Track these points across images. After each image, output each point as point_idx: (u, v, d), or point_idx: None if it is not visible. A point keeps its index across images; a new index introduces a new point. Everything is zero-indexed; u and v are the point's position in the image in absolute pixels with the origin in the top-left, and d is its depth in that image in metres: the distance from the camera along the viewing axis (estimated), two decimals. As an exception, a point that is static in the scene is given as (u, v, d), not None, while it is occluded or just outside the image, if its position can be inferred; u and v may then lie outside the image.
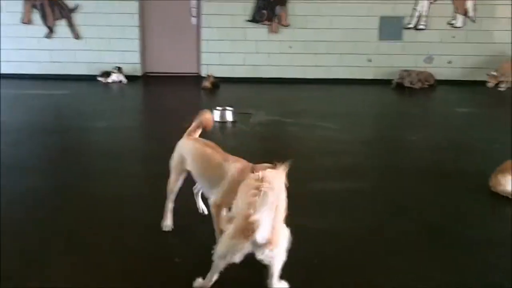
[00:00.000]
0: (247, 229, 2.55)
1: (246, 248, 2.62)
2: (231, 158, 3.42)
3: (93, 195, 4.59)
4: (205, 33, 11.33)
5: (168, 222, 3.76)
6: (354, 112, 8.54)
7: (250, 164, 3.29)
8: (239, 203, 2.74)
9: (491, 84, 10.70)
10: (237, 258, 2.68)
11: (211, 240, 3.25)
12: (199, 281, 2.94)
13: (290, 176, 5.02)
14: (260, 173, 2.76)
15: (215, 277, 2.87)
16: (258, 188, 2.61)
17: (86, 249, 3.54)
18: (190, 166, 3.59)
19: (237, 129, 7.16)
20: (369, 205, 4.43)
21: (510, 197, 4.48)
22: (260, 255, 2.68)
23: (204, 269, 2.92)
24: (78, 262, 3.35)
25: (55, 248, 3.54)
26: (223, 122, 7.43)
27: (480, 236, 3.84)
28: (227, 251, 2.68)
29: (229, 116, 7.54)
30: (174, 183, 3.71)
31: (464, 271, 3.31)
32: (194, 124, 3.89)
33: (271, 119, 7.71)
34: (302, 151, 6.28)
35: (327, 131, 7.02)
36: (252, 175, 2.80)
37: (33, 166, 5.49)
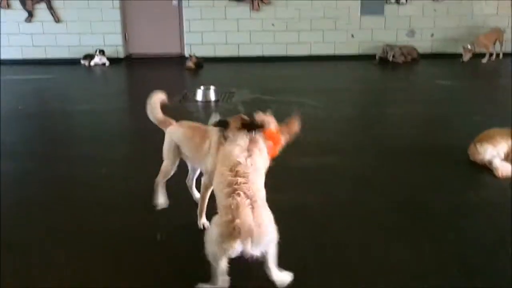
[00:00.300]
0: (232, 233, 2.45)
1: (237, 247, 2.49)
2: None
3: (75, 177, 4.63)
4: (187, 12, 11.27)
5: (161, 200, 3.72)
6: (336, 88, 8.59)
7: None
8: (217, 189, 2.77)
9: (466, 57, 10.62)
10: (232, 255, 2.56)
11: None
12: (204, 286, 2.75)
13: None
14: (233, 161, 2.77)
15: (221, 280, 2.67)
16: (231, 186, 2.61)
17: (66, 232, 3.58)
18: (182, 151, 3.61)
19: (220, 108, 7.18)
20: (343, 181, 4.47)
21: (487, 165, 4.56)
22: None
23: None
24: (58, 246, 3.40)
25: (33, 233, 3.59)
26: (206, 102, 7.46)
27: (454, 205, 3.91)
28: (218, 254, 2.57)
29: (212, 95, 7.56)
30: (168, 170, 3.69)
31: (438, 240, 3.39)
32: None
33: (253, 97, 7.75)
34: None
35: (306, 108, 7.06)
36: (226, 163, 2.81)
37: (15, 150, 5.49)
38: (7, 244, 3.36)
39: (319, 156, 5.10)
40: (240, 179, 2.66)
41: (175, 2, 11.36)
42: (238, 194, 2.56)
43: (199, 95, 7.55)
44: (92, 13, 11.13)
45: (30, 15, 11.18)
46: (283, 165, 4.80)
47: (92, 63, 10.90)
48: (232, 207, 2.52)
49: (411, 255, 3.19)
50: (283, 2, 11.19)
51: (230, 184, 2.64)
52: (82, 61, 10.98)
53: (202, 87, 7.61)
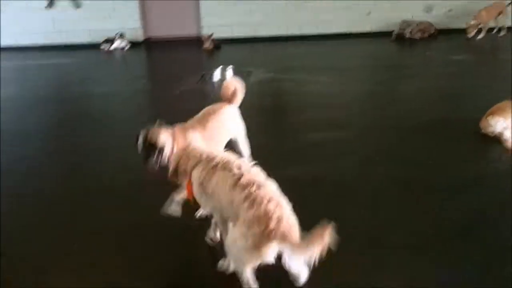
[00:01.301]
0: (269, 238, 2.43)
1: (273, 252, 2.48)
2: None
3: (95, 157, 4.84)
4: (203, -6, 11.37)
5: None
6: (350, 66, 8.66)
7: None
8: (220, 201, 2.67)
9: (471, 32, 10.42)
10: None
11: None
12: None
13: (281, 129, 5.26)
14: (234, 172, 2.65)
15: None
16: (244, 193, 2.53)
17: (91, 211, 3.79)
18: None
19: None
20: (354, 156, 4.59)
21: (499, 137, 4.64)
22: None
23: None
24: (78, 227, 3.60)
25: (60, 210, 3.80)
26: (223, 81, 7.58)
27: (463, 178, 4.02)
28: (248, 264, 2.56)
29: (229, 75, 7.68)
30: None
31: (440, 213, 3.51)
32: None
33: (269, 76, 7.88)
34: (295, 105, 6.51)
35: (320, 85, 7.18)
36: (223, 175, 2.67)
37: (35, 133, 5.71)
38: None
39: (331, 131, 5.23)
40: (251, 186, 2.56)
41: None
42: (257, 200, 2.50)
43: (216, 76, 7.69)
44: (111, -3, 11.31)
45: (51, 1, 11.37)
46: (295, 140, 5.01)
47: (112, 47, 11.09)
48: (260, 214, 2.45)
49: (416, 227, 3.32)
50: (299, -19, 11.21)
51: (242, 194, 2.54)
52: (103, 45, 11.18)
53: (219, 68, 7.75)
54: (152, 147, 3.11)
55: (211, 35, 10.62)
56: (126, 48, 11.10)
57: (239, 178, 2.59)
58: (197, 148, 2.90)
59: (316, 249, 2.34)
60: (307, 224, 3.35)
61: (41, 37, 11.59)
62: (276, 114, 6.23)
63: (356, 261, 2.97)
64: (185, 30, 11.82)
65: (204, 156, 2.80)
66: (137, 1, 11.43)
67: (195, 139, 3.26)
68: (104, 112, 6.59)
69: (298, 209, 3.30)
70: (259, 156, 4.60)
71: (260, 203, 2.48)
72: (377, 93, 6.95)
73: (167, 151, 3.12)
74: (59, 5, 11.42)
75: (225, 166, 2.69)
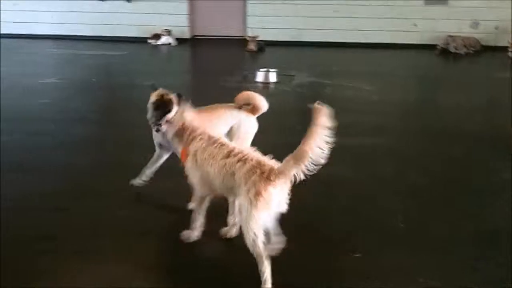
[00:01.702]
0: (269, 178, 2.64)
1: (276, 191, 2.65)
2: None
3: (134, 142, 4.98)
4: (251, -4, 11.54)
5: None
6: (392, 75, 8.72)
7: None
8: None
9: None
10: (270, 217, 2.69)
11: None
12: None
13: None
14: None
15: (268, 270, 2.69)
16: (237, 157, 2.77)
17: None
18: None
19: (279, 90, 7.44)
20: (390, 160, 4.71)
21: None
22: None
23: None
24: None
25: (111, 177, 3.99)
26: (266, 83, 7.72)
27: (493, 184, 4.10)
28: (257, 218, 2.66)
29: (272, 77, 7.81)
30: None
31: (475, 217, 3.60)
32: None
33: (312, 80, 7.98)
34: (335, 109, 6.54)
35: (361, 92, 7.26)
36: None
37: (82, 118, 5.97)
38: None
39: (369, 136, 5.33)
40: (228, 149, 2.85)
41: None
42: (248, 158, 2.76)
43: (259, 77, 7.82)
44: (161, -6, 11.60)
45: (104, -5, 11.75)
46: (336, 144, 5.08)
47: (159, 42, 11.36)
48: (254, 164, 2.70)
49: (448, 231, 3.39)
50: (346, -12, 11.26)
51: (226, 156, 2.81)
52: (150, 40, 11.46)
53: (262, 69, 7.88)
54: (160, 106, 3.29)
55: (256, 36, 10.77)
56: (173, 44, 11.35)
57: (232, 150, 2.84)
58: (202, 127, 3.08)
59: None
60: (339, 222, 3.48)
61: (92, 28, 11.95)
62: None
63: (398, 263, 3.04)
64: (231, 30, 12.02)
65: (206, 134, 3.01)
66: (187, 2, 11.67)
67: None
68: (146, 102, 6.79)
69: (332, 208, 3.43)
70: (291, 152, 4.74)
71: (252, 159, 2.74)
72: (416, 102, 7.02)
73: (172, 113, 3.27)
74: (111, -2, 11.79)
75: (222, 144, 2.92)
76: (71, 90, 7.36)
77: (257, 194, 2.62)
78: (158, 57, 10.57)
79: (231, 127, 3.78)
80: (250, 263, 2.68)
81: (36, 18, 12.00)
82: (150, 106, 3.37)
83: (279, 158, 4.27)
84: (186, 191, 3.28)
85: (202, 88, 7.69)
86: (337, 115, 6.21)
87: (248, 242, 2.68)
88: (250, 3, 11.58)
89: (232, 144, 2.98)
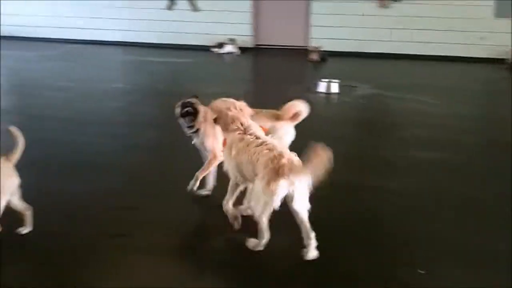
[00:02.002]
0: (280, 172, 2.94)
1: (283, 188, 2.97)
2: None
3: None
4: (315, 7, 11.58)
5: None
6: (458, 88, 8.51)
7: None
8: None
9: None
10: (275, 204, 3.02)
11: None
12: (252, 240, 3.23)
13: (381, 144, 5.38)
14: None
15: (267, 235, 3.16)
16: (265, 146, 3.10)
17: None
18: None
19: (341, 101, 7.46)
20: (452, 174, 4.64)
21: None
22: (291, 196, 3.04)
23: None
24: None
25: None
26: (328, 94, 7.75)
27: None
28: (265, 201, 3.01)
29: (334, 88, 7.83)
30: None
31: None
32: None
33: (374, 92, 7.92)
34: (397, 122, 6.56)
35: (425, 105, 7.16)
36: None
37: (150, 122, 6.20)
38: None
39: (432, 150, 5.27)
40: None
41: (305, -4, 11.74)
42: (273, 148, 3.08)
43: (321, 87, 7.86)
44: (226, 4, 11.82)
45: (172, 3, 12.11)
46: (394, 156, 5.09)
47: (222, 51, 11.59)
48: (275, 154, 3.01)
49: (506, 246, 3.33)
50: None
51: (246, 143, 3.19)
52: (214, 49, 11.71)
53: (325, 80, 7.91)
54: (188, 113, 3.66)
55: (319, 47, 10.81)
56: (236, 53, 11.55)
57: (263, 142, 3.16)
58: (246, 121, 3.36)
59: (317, 166, 2.90)
60: (398, 235, 3.47)
61: (159, 36, 12.34)
62: (377, 129, 6.31)
63: (456, 278, 3.02)
64: (294, 40, 12.10)
65: (246, 126, 3.30)
66: (250, 10, 11.86)
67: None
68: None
69: (391, 220, 3.43)
70: (357, 166, 4.77)
71: (275, 149, 3.07)
72: (482, 117, 6.85)
73: (200, 117, 3.64)
74: (177, 8, 12.12)
75: (256, 136, 3.24)
76: (138, 95, 7.66)
77: (267, 183, 2.96)
78: (221, 66, 10.79)
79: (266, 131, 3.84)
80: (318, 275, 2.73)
81: (107, 25, 12.52)
82: (178, 117, 3.72)
83: (338, 170, 4.35)
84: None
85: (264, 97, 7.79)
86: (399, 129, 6.26)
87: (256, 217, 3.11)
88: (314, 14, 11.64)
89: (265, 137, 3.26)
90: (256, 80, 9.81)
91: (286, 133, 4.02)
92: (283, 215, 3.10)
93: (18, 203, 3.23)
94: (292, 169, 2.96)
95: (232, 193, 3.44)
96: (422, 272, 3.04)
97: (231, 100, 3.47)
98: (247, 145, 3.17)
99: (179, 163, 4.78)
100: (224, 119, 3.36)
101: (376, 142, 5.68)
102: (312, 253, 3.15)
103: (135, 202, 3.93)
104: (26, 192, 3.50)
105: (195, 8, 12.02)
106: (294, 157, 3.07)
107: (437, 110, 6.93)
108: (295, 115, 4.01)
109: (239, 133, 3.27)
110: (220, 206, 3.47)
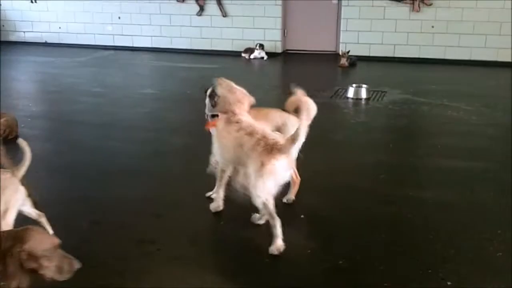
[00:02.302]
0: (274, 150, 3.08)
1: (282, 165, 3.10)
2: None
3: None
4: (345, 11, 11.51)
5: None
6: (491, 94, 8.27)
7: None
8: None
9: None
10: (276, 183, 3.16)
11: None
12: (273, 246, 3.25)
13: (412, 152, 5.30)
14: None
15: (277, 219, 3.22)
16: (247, 131, 3.25)
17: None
18: None
19: (370, 106, 7.38)
20: (485, 185, 4.48)
21: None
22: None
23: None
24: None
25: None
26: (357, 99, 7.68)
27: None
28: (264, 183, 3.11)
29: (363, 93, 7.76)
30: None
31: None
32: None
33: (404, 97, 7.80)
34: (429, 129, 6.44)
35: (459, 112, 6.98)
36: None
37: (178, 128, 6.24)
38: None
39: (466, 159, 5.13)
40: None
41: (334, 2, 11.67)
42: (255, 130, 3.24)
43: (350, 92, 7.80)
44: (256, 9, 11.85)
45: (201, 9, 12.21)
46: (426, 164, 5.00)
47: (251, 56, 11.62)
48: (260, 137, 3.16)
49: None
50: (445, 3, 10.91)
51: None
52: (243, 54, 11.75)
53: (354, 85, 7.85)
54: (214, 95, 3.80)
55: (348, 52, 10.73)
56: (265, 58, 11.57)
57: (243, 126, 3.30)
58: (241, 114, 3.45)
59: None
60: (432, 247, 3.40)
61: (189, 42, 12.46)
62: (408, 136, 6.22)
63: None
64: (323, 45, 12.06)
65: (237, 118, 3.40)
66: (280, 15, 11.86)
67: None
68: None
69: (426, 232, 3.36)
70: (387, 175, 4.70)
71: (258, 132, 3.19)
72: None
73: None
74: (207, 13, 12.22)
75: (238, 121, 3.36)
76: (168, 101, 7.73)
77: (262, 164, 3.06)
78: (250, 71, 10.82)
79: (278, 128, 3.90)
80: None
81: (139, 32, 12.70)
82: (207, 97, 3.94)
83: (367, 179, 4.30)
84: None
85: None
86: (430, 136, 6.16)
87: (259, 205, 3.20)
88: (344, 19, 11.56)
89: (246, 121, 3.36)
90: (283, 86, 9.77)
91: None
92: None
93: (30, 211, 3.27)
94: (282, 148, 3.09)
95: (221, 180, 3.68)
96: (449, 283, 2.97)
97: (236, 86, 3.68)
98: (229, 131, 3.35)
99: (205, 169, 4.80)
100: (223, 100, 3.54)
101: (406, 150, 5.60)
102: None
103: (163, 209, 3.96)
104: (54, 197, 3.57)
105: (224, 14, 12.09)
106: (277, 136, 3.27)
107: (469, 117, 6.77)
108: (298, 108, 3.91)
109: (228, 118, 3.43)
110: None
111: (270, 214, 3.21)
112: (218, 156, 3.59)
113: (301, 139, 3.77)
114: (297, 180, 4.01)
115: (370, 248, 3.42)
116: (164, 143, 5.64)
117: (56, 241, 2.34)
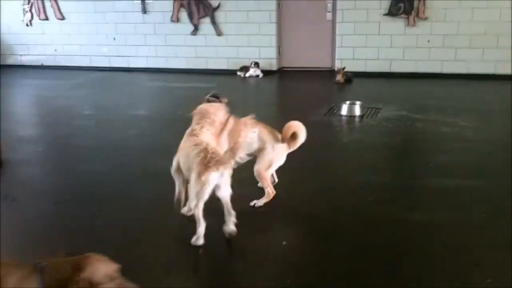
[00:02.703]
0: (209, 164, 3.36)
1: (213, 179, 3.39)
2: None
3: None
4: (340, 28, 11.45)
5: None
6: (491, 109, 8.10)
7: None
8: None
9: None
10: (207, 192, 3.42)
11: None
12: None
13: (408, 171, 5.14)
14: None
15: (202, 224, 3.49)
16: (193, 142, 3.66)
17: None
18: None
19: (363, 123, 7.24)
20: (483, 206, 4.30)
21: None
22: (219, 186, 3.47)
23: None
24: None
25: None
26: (350, 116, 7.55)
27: None
28: (199, 193, 3.41)
29: (357, 110, 7.63)
30: None
31: None
32: None
33: (400, 114, 7.65)
34: (426, 147, 6.28)
35: (457, 128, 6.80)
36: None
37: (169, 149, 6.09)
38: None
39: (462, 178, 4.96)
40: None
41: (329, 14, 11.60)
42: (199, 143, 3.61)
43: (344, 110, 7.67)
44: (250, 27, 11.81)
45: (196, 28, 12.18)
46: (422, 184, 4.83)
47: (247, 74, 11.55)
48: (201, 148, 3.51)
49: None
50: (440, 16, 10.84)
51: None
52: (238, 73, 11.68)
53: (347, 102, 7.72)
54: (215, 96, 4.42)
55: (343, 68, 10.65)
56: (261, 76, 11.49)
57: (194, 140, 3.68)
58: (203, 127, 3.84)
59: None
60: (425, 273, 3.24)
61: (185, 62, 12.42)
62: (404, 155, 6.06)
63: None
64: (318, 62, 11.99)
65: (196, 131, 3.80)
66: (275, 33, 11.81)
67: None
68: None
69: (421, 256, 3.20)
70: (381, 194, 4.54)
71: (201, 144, 3.57)
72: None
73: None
74: (201, 33, 12.18)
75: (193, 135, 3.79)
76: (158, 122, 7.61)
77: (199, 175, 3.38)
78: (245, 89, 10.73)
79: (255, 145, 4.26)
80: None
81: (134, 52, 12.66)
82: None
83: (361, 200, 4.16)
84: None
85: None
86: (429, 153, 5.98)
87: (192, 206, 3.53)
88: (339, 35, 11.49)
89: (200, 137, 3.70)
90: (278, 103, 9.69)
91: (279, 157, 4.27)
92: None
93: None
94: (219, 161, 3.37)
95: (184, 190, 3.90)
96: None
97: (219, 105, 4.14)
98: (189, 141, 3.72)
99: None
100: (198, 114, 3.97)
101: (402, 169, 5.44)
102: (230, 227, 3.59)
103: (145, 236, 3.82)
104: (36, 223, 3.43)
105: (219, 32, 12.05)
106: (218, 150, 3.59)
107: (467, 133, 6.59)
108: (292, 137, 4.21)
109: (191, 132, 3.84)
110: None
111: (197, 217, 3.49)
112: (183, 168, 3.79)
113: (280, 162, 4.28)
114: (272, 193, 4.24)
115: (365, 272, 3.27)
116: (151, 165, 5.49)
117: (115, 266, 2.34)
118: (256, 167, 4.24)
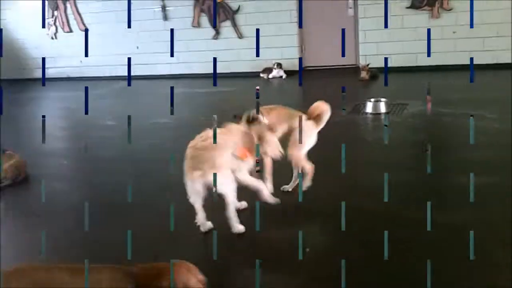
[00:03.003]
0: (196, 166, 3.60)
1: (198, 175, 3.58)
2: None
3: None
4: (362, 23, 11.26)
5: None
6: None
7: None
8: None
9: None
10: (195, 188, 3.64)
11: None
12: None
13: (434, 167, 4.91)
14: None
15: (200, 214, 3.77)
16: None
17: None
18: None
19: (390, 121, 7.04)
20: (501, 203, 4.10)
21: None
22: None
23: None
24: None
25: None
26: (376, 114, 7.38)
27: None
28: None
29: (382, 107, 7.45)
30: None
31: None
32: None
33: (426, 109, 7.42)
34: (453, 142, 6.05)
35: (486, 121, 6.53)
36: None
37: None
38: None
39: (491, 175, 4.72)
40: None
41: (350, 10, 11.42)
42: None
43: (368, 107, 7.50)
44: (271, 28, 11.71)
45: (217, 33, 12.16)
46: (446, 181, 4.62)
47: (270, 76, 11.46)
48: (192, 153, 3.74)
49: None
50: (465, 6, 10.54)
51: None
52: (261, 74, 11.60)
53: (372, 99, 7.55)
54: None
55: (368, 64, 10.45)
56: (284, 77, 11.38)
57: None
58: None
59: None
60: (449, 266, 3.07)
61: (208, 66, 12.37)
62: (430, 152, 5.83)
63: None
64: (342, 59, 11.78)
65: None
66: (296, 32, 11.69)
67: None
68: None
69: (439, 253, 3.03)
70: (402, 191, 4.37)
71: (196, 148, 3.75)
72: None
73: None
74: (223, 36, 12.15)
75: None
76: (179, 130, 7.53)
77: (188, 170, 3.66)
78: (268, 91, 10.63)
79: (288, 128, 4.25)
80: None
81: (157, 60, 12.72)
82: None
83: (377, 199, 3.98)
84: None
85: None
86: (457, 149, 5.71)
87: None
88: (362, 30, 11.29)
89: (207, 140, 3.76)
90: (302, 104, 9.53)
91: (309, 136, 4.23)
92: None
93: None
94: (206, 161, 3.58)
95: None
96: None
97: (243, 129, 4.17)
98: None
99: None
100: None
101: (420, 168, 5.22)
102: (238, 227, 3.73)
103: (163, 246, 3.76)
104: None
105: (240, 35, 11.99)
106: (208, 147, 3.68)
107: (500, 127, 6.31)
108: (318, 116, 4.24)
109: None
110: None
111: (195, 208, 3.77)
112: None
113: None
114: (312, 168, 4.26)
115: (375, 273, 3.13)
116: (169, 175, 5.42)
117: (201, 278, 2.31)
118: (289, 152, 4.20)
